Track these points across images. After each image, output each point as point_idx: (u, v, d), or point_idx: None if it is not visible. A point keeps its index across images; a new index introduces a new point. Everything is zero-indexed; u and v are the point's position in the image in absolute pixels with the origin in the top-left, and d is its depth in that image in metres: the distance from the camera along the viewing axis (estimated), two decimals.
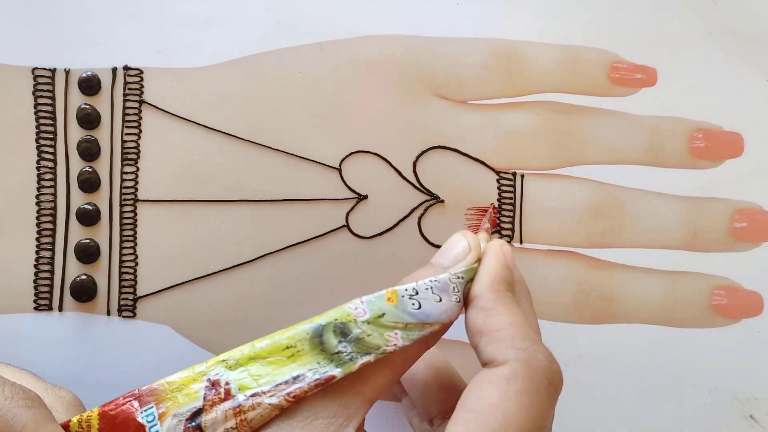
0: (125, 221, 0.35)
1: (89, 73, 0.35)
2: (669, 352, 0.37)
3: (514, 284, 0.28)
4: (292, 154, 0.36)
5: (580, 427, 0.36)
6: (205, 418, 0.24)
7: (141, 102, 0.36)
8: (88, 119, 0.35)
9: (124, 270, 0.35)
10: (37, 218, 0.35)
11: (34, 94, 0.35)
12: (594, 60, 0.37)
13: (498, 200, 0.36)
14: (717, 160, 0.37)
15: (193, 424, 0.24)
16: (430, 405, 0.31)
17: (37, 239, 0.35)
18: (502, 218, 0.37)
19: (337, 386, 0.25)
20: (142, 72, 0.36)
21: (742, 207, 0.37)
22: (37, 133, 0.35)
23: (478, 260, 0.28)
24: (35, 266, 0.35)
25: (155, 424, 0.25)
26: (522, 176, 0.37)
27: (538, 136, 0.37)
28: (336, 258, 0.36)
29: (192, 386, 0.25)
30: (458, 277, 0.27)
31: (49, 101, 0.35)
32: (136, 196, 0.36)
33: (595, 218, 0.37)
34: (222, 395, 0.25)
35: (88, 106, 0.35)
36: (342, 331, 0.25)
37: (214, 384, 0.25)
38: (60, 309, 0.35)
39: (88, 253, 0.35)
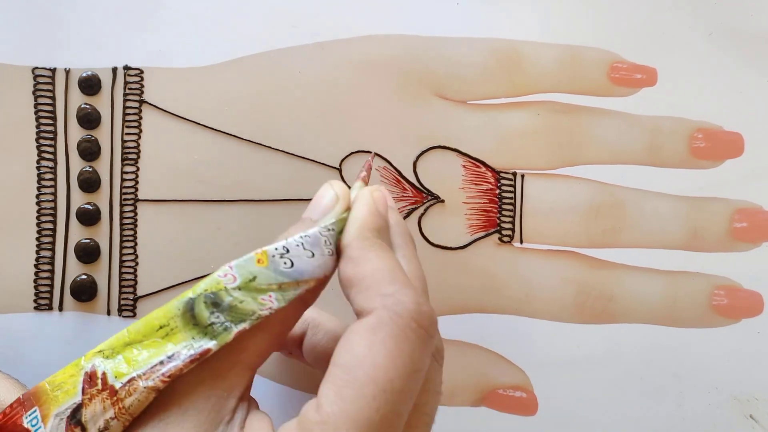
0: (125, 221, 0.35)
1: (89, 72, 0.35)
2: (669, 352, 0.37)
3: (387, 230, 0.27)
4: (292, 154, 0.36)
5: (581, 426, 0.36)
6: (85, 413, 0.24)
7: (141, 102, 0.36)
8: (89, 119, 0.35)
9: (124, 270, 0.35)
10: (37, 218, 0.35)
11: (34, 93, 0.35)
12: (594, 60, 0.37)
13: (498, 200, 0.37)
14: (717, 160, 0.37)
15: (75, 420, 0.24)
16: None
17: (37, 239, 0.35)
18: (503, 218, 0.37)
19: (213, 359, 0.24)
20: (142, 72, 0.36)
21: (742, 207, 0.37)
22: (37, 133, 0.35)
23: (348, 209, 0.27)
24: (35, 266, 0.35)
25: (39, 427, 0.24)
26: (522, 176, 0.37)
27: (538, 136, 0.37)
28: None
29: (71, 381, 0.24)
30: (329, 230, 0.26)
31: (49, 101, 0.35)
32: (136, 196, 0.36)
33: (595, 218, 0.37)
34: (99, 386, 0.24)
35: (88, 106, 0.35)
36: (213, 301, 0.24)
37: (91, 376, 0.24)
38: (60, 309, 0.35)
39: (88, 253, 0.35)
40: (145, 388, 0.24)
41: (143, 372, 0.24)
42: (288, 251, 0.25)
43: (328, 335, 0.31)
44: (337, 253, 0.26)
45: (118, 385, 0.24)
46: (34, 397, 0.25)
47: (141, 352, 0.24)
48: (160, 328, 0.25)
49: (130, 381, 0.24)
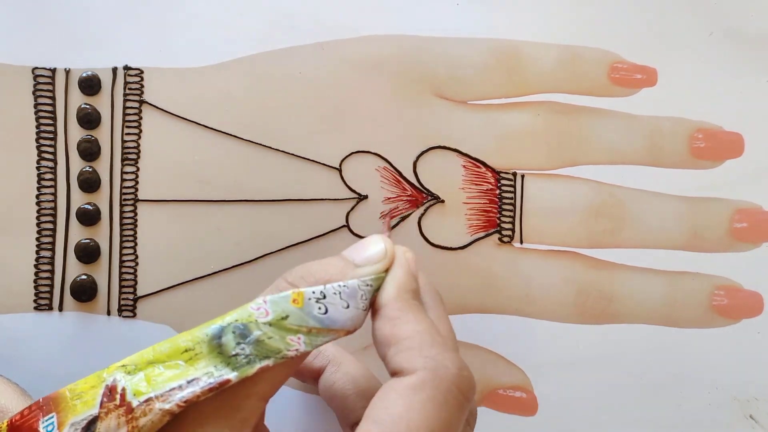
0: (125, 221, 0.35)
1: (89, 72, 0.35)
2: (669, 352, 0.37)
3: (419, 291, 0.28)
4: (292, 154, 0.36)
5: (580, 426, 0.36)
6: (100, 426, 0.24)
7: (141, 102, 0.36)
8: (89, 119, 0.35)
9: (124, 270, 0.35)
10: (37, 218, 0.35)
11: (34, 94, 0.35)
12: (594, 60, 0.37)
13: (498, 200, 0.36)
14: (717, 160, 0.37)
15: None
16: (349, 413, 0.30)
17: (38, 239, 0.35)
18: (503, 218, 0.37)
19: (230, 389, 0.24)
20: (142, 72, 0.36)
21: (742, 207, 0.37)
22: (37, 133, 0.35)
23: (387, 269, 0.27)
24: (35, 266, 0.35)
25: None
26: (522, 176, 0.37)
27: (538, 136, 0.37)
28: None
29: (91, 393, 0.24)
30: (367, 285, 0.26)
31: (49, 101, 0.35)
32: (136, 196, 0.36)
33: (595, 218, 0.37)
34: (117, 401, 0.24)
35: (88, 106, 0.35)
36: (242, 332, 0.24)
37: (111, 390, 0.24)
38: (60, 309, 0.35)
39: (88, 253, 0.35)
40: (160, 410, 0.24)
41: (161, 393, 0.24)
42: (324, 297, 0.25)
43: (346, 376, 0.31)
44: (370, 309, 0.26)
45: (135, 403, 0.24)
46: (54, 402, 0.25)
47: (162, 372, 0.24)
48: (186, 351, 0.24)
49: (147, 401, 0.24)
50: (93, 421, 0.24)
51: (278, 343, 0.24)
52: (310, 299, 0.25)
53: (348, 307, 0.25)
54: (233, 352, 0.24)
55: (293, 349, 0.24)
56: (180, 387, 0.24)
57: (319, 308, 0.25)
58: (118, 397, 0.24)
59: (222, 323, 0.25)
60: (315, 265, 0.27)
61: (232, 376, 0.24)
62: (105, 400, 0.24)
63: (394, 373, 0.25)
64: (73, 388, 0.25)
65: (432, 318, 0.27)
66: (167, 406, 0.24)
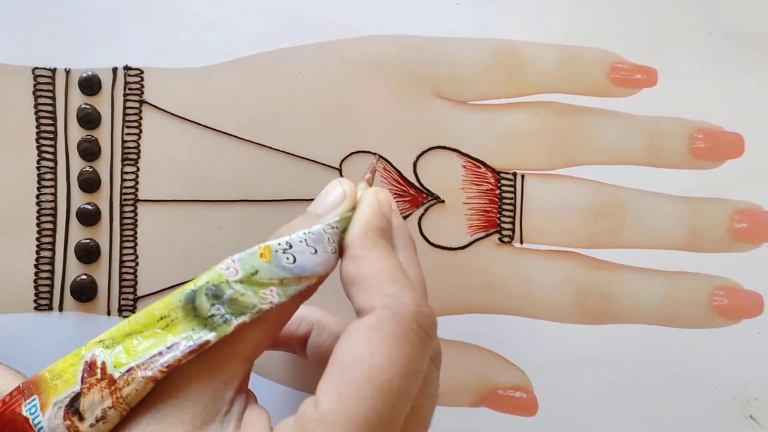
0: (125, 221, 0.35)
1: (90, 72, 0.35)
2: (669, 352, 0.37)
3: (390, 231, 0.27)
4: (292, 154, 0.36)
5: (581, 427, 0.36)
6: (83, 401, 0.24)
7: (141, 102, 0.36)
8: (89, 119, 0.35)
9: (124, 270, 0.35)
10: (38, 218, 0.35)
11: (34, 94, 0.35)
12: (594, 60, 0.37)
13: (498, 200, 0.37)
14: (717, 160, 0.37)
15: (72, 409, 0.24)
16: None
17: (38, 239, 0.35)
18: (503, 218, 0.37)
19: (211, 351, 0.24)
20: (142, 72, 0.36)
21: (742, 207, 0.37)
22: (37, 133, 0.35)
23: (353, 209, 0.27)
24: (35, 266, 0.35)
25: (38, 415, 0.24)
26: (522, 176, 0.37)
27: (538, 137, 0.37)
28: None
29: (71, 371, 0.25)
30: (332, 227, 0.26)
31: (49, 101, 0.35)
32: (136, 196, 0.36)
33: (595, 218, 0.37)
34: (99, 375, 0.24)
35: (88, 106, 0.35)
36: (214, 293, 0.24)
37: (91, 365, 0.24)
38: (60, 309, 0.35)
39: (88, 253, 0.35)
40: (143, 378, 0.24)
41: (142, 362, 0.24)
42: (291, 247, 0.25)
43: (332, 337, 0.31)
44: (340, 251, 0.26)
45: (116, 375, 0.24)
46: (34, 385, 0.25)
47: (141, 342, 0.25)
48: (161, 319, 0.25)
49: (128, 371, 0.24)
50: (76, 398, 0.24)
51: (251, 298, 0.25)
52: (276, 251, 0.25)
53: (316, 252, 0.25)
54: (209, 314, 0.24)
55: (267, 302, 0.25)
56: (160, 353, 0.24)
57: (287, 258, 0.25)
58: (98, 371, 0.24)
59: (194, 287, 0.25)
60: (283, 229, 0.26)
61: (210, 336, 0.24)
62: (86, 375, 0.24)
63: (358, 313, 0.25)
64: (52, 368, 0.25)
65: (401, 260, 0.26)
66: (150, 373, 0.24)
